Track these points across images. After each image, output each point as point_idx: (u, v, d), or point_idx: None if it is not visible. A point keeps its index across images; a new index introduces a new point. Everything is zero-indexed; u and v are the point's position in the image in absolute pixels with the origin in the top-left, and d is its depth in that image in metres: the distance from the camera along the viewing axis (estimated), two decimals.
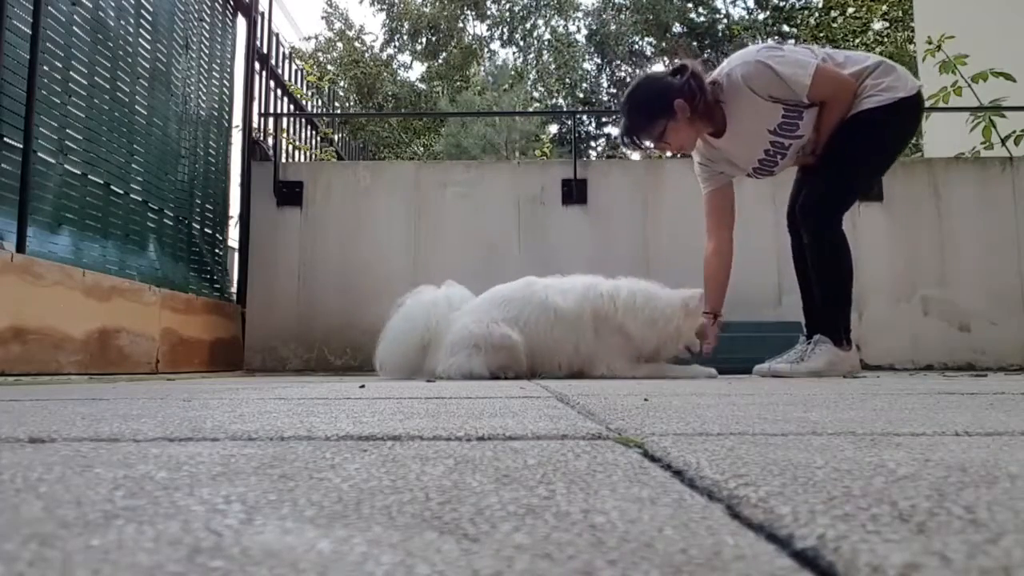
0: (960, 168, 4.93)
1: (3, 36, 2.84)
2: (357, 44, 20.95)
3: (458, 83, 20.62)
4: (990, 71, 5.11)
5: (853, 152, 3.01)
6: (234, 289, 5.15)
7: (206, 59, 4.77)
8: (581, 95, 20.28)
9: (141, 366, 3.59)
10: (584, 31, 21.20)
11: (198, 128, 4.65)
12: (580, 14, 21.62)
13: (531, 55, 21.84)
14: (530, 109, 19.55)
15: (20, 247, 2.89)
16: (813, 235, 3.07)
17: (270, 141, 5.25)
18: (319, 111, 7.17)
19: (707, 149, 3.26)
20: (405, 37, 21.57)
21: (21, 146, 2.94)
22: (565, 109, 19.60)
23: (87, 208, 3.46)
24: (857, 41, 15.94)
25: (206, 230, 4.76)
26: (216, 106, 4.96)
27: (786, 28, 18.12)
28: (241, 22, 5.27)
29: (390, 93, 19.78)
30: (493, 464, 0.64)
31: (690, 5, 18.93)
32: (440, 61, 21.77)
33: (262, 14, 5.33)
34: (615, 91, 20.55)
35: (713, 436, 0.82)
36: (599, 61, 20.97)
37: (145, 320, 3.65)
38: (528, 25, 21.51)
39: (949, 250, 4.78)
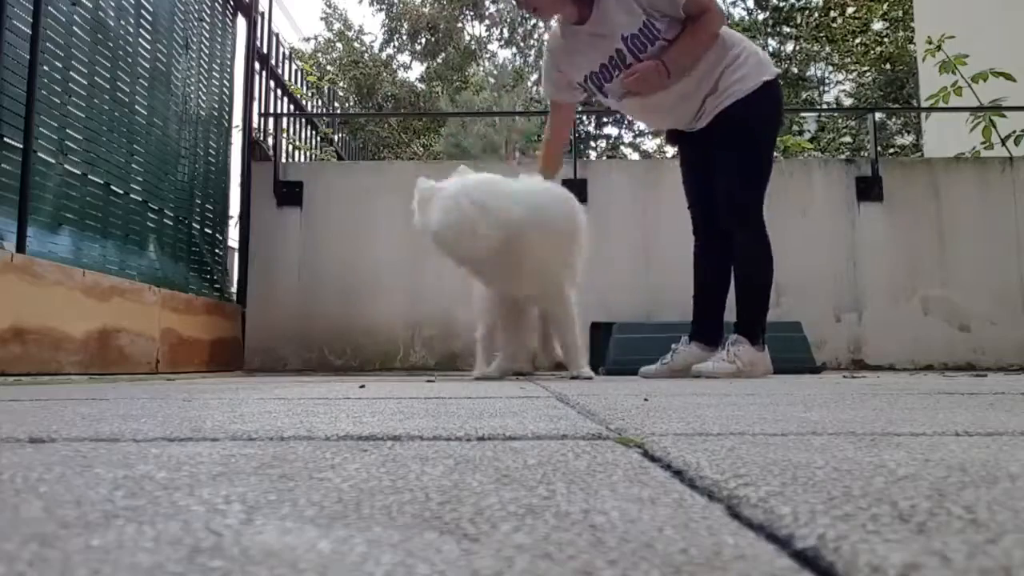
0: (960, 168, 4.93)
1: (3, 36, 2.84)
2: (356, 44, 20.95)
3: (457, 83, 20.61)
4: (990, 71, 5.12)
5: (731, 153, 3.01)
6: (234, 289, 5.15)
7: (206, 59, 4.77)
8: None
9: (141, 366, 3.59)
10: None
11: (198, 128, 4.65)
12: None
13: (531, 56, 21.82)
14: (530, 109, 19.52)
15: (20, 247, 2.89)
16: (742, 236, 3.04)
17: (270, 141, 5.25)
18: (319, 111, 7.17)
19: (561, 36, 3.04)
20: (404, 37, 21.56)
21: (21, 146, 2.94)
22: None
23: (87, 208, 3.46)
24: (857, 41, 15.94)
25: (206, 230, 4.76)
26: (216, 106, 4.96)
27: (786, 28, 18.10)
28: (241, 22, 5.26)
29: (389, 93, 19.77)
30: (493, 464, 0.64)
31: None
32: (439, 61, 21.76)
33: (262, 14, 5.33)
34: None
35: (713, 436, 0.82)
36: None
37: (145, 320, 3.65)
38: (529, 26, 21.49)
39: (949, 250, 4.79)
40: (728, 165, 3.06)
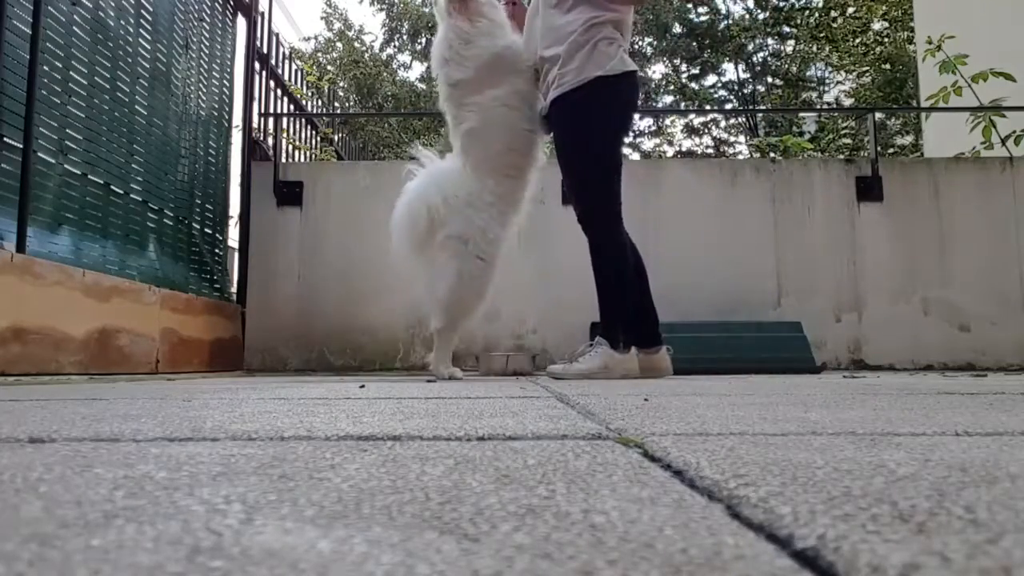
0: (960, 168, 4.93)
1: (3, 36, 2.84)
2: (357, 44, 20.93)
3: None
4: (990, 71, 5.12)
5: (561, 148, 3.04)
6: (234, 289, 5.15)
7: (206, 59, 4.77)
8: None
9: (141, 366, 3.59)
10: None
11: (198, 128, 4.65)
12: None
13: None
14: None
15: (20, 247, 2.89)
16: (589, 240, 3.03)
17: (270, 141, 5.25)
18: (319, 111, 7.16)
19: None
20: (405, 37, 21.54)
21: (21, 146, 2.94)
22: None
23: (87, 208, 3.46)
24: (857, 41, 15.93)
25: (206, 230, 4.76)
26: (216, 106, 4.96)
27: (786, 28, 18.11)
28: (241, 22, 5.26)
29: (390, 93, 19.75)
30: (493, 464, 0.64)
31: (690, 5, 18.92)
32: None
33: (262, 14, 5.33)
34: None
35: (713, 436, 0.82)
36: None
37: (145, 320, 3.65)
38: None
39: (949, 250, 4.79)
40: (562, 164, 3.08)
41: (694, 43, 18.55)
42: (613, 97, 2.95)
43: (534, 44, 3.07)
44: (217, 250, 4.95)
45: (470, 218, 2.96)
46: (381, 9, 21.31)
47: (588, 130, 2.95)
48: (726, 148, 19.60)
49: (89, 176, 3.47)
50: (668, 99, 19.50)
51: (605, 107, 2.94)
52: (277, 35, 5.58)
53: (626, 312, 3.00)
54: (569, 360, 3.06)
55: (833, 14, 16.27)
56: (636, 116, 3.22)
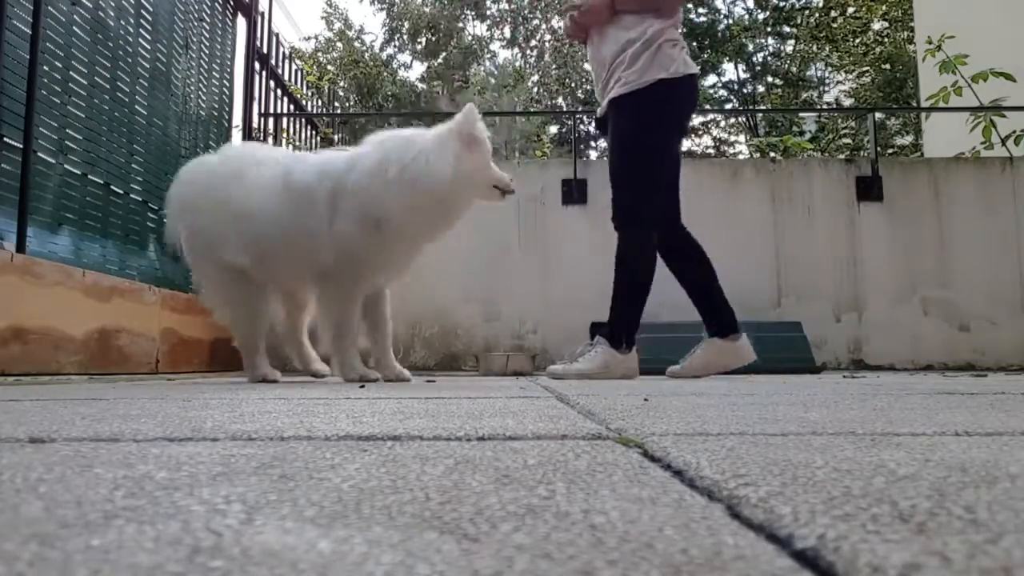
0: (960, 168, 4.93)
1: (3, 36, 2.84)
2: (357, 44, 20.94)
3: (458, 83, 20.61)
4: (990, 71, 5.12)
5: (613, 148, 3.06)
6: None
7: (206, 59, 4.77)
8: (581, 96, 20.27)
9: (141, 366, 3.59)
10: None
11: (198, 128, 4.65)
12: None
13: (532, 56, 21.83)
14: (530, 109, 19.54)
15: (20, 247, 2.89)
16: (618, 236, 3.03)
17: (270, 141, 5.25)
18: (319, 111, 7.16)
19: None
20: (405, 37, 21.56)
21: (21, 146, 2.94)
22: (565, 109, 19.61)
23: (87, 208, 3.46)
24: (857, 41, 15.93)
25: None
26: (216, 106, 4.95)
27: (786, 28, 18.11)
28: (241, 22, 5.26)
29: (390, 93, 19.76)
30: (493, 464, 0.64)
31: (690, 5, 18.93)
32: (440, 61, 21.76)
33: (262, 14, 5.33)
34: None
35: (713, 436, 0.82)
36: None
37: (145, 320, 3.64)
38: (532, 27, 21.49)
39: (949, 250, 4.79)
40: (610, 161, 3.09)
41: (694, 43, 18.54)
42: (673, 99, 2.98)
43: (601, 55, 3.09)
44: None
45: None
46: (381, 9, 21.33)
47: (644, 131, 2.97)
48: (726, 148, 19.61)
49: (89, 176, 3.47)
50: None
51: (664, 109, 2.97)
52: (277, 35, 5.58)
53: (637, 316, 3.02)
54: (569, 360, 3.06)
55: (833, 14, 16.27)
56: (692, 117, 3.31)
